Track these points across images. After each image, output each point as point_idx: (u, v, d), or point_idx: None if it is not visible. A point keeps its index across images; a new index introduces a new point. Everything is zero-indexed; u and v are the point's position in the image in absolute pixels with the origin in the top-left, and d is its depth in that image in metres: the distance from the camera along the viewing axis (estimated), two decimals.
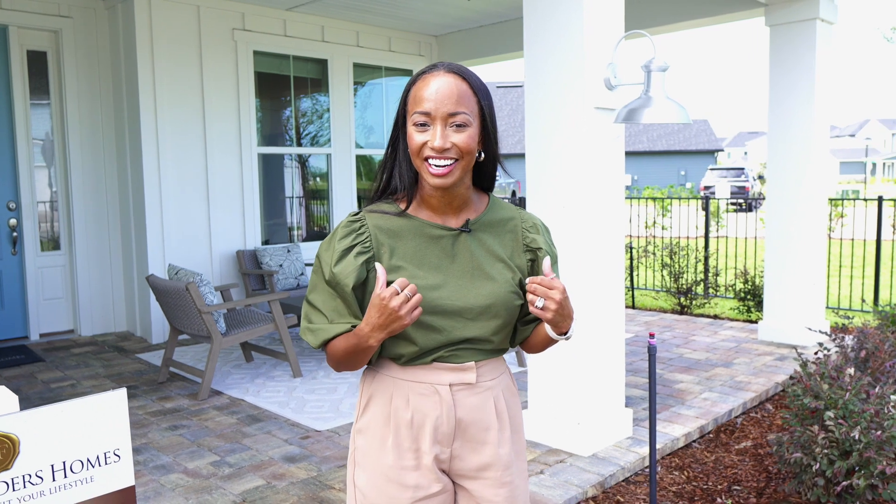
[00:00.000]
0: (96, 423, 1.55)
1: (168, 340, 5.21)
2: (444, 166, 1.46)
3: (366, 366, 1.62)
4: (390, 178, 1.57)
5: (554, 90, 3.67)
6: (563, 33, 3.61)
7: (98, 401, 1.55)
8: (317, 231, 7.90)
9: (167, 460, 3.75)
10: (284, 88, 7.40)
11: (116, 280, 6.81)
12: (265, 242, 7.30)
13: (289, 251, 6.94)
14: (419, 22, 7.83)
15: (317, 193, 7.87)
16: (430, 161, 1.46)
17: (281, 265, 6.79)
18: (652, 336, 2.90)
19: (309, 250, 7.50)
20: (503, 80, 42.28)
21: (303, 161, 7.75)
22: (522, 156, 35.25)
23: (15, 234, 6.41)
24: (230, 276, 6.86)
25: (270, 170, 7.41)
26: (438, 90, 1.45)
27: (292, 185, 7.68)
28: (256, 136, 7.02)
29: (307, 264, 7.08)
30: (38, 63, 6.40)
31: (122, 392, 1.57)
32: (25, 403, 4.76)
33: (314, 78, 7.60)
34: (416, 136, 1.47)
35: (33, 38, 6.34)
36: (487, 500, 1.61)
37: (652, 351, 2.91)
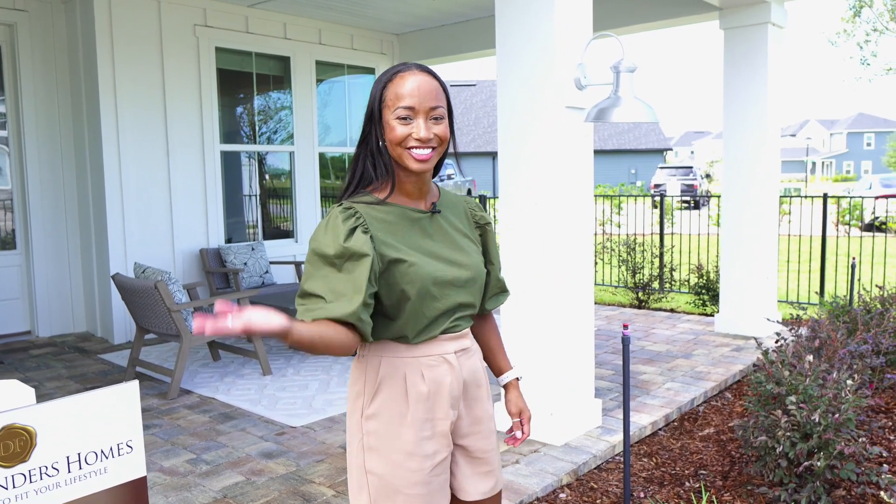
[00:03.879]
0: (110, 415, 1.57)
1: (134, 340, 5.15)
2: (427, 153, 1.62)
3: (361, 357, 1.71)
4: (364, 169, 1.68)
5: (527, 90, 3.76)
6: (535, 34, 3.70)
7: (111, 393, 1.58)
8: (280, 229, 7.87)
9: None
10: (247, 86, 7.35)
11: (75, 280, 6.68)
12: (228, 241, 7.24)
13: (253, 249, 6.91)
14: (382, 20, 7.86)
15: (280, 191, 7.84)
16: (413, 150, 1.61)
17: (245, 263, 6.75)
18: (626, 327, 3.02)
19: (273, 248, 7.48)
20: (456, 79, 42.41)
21: (263, 159, 7.71)
22: (476, 154, 35.44)
23: None
24: (193, 274, 6.79)
25: (233, 167, 7.36)
26: (420, 87, 1.60)
27: (255, 182, 7.64)
28: (219, 133, 6.96)
29: (271, 262, 7.05)
30: None
31: (135, 384, 1.60)
32: None
33: (276, 75, 7.57)
34: (399, 129, 1.61)
35: None
36: (482, 450, 1.79)
37: (626, 341, 3.02)
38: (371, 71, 8.41)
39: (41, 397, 4.85)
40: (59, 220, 6.58)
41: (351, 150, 8.31)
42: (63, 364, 5.65)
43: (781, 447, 3.05)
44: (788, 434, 3.06)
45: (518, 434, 1.89)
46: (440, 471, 1.70)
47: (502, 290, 1.91)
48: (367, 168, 1.67)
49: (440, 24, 8.11)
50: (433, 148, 1.63)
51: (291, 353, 5.83)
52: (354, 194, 1.68)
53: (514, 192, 3.87)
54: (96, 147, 6.21)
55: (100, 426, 1.56)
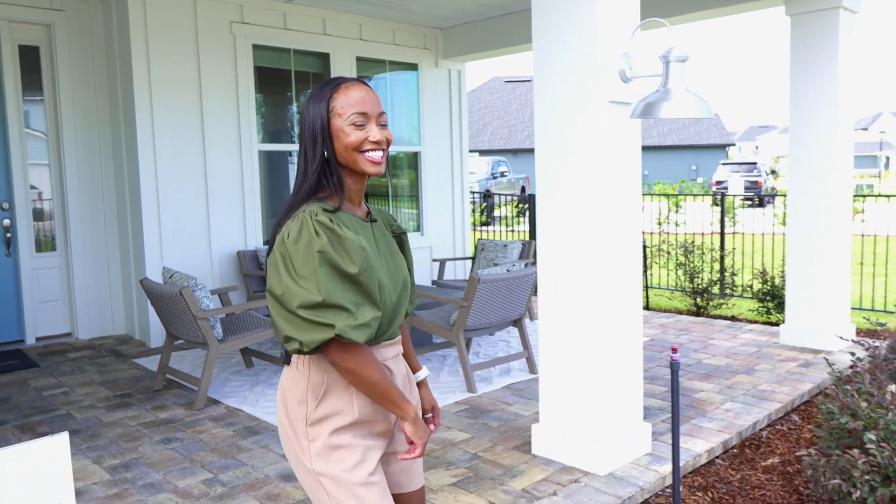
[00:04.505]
0: (34, 474, 1.32)
1: (164, 346, 5.01)
2: (380, 156, 1.70)
3: (302, 364, 1.70)
4: (317, 181, 1.70)
5: (565, 84, 3.42)
6: (575, 22, 3.35)
7: (37, 448, 1.32)
8: None
9: (157, 478, 3.54)
10: (285, 83, 7.17)
11: (114, 281, 6.62)
12: (267, 242, 7.09)
13: None
14: (424, 14, 7.58)
15: None
16: (368, 153, 1.68)
17: None
18: (675, 350, 2.66)
19: None
20: (512, 74, 41.91)
21: None
22: (531, 151, 34.94)
23: (9, 234, 6.22)
24: (230, 277, 6.65)
25: (272, 167, 7.19)
26: (368, 96, 1.69)
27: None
28: (257, 132, 6.80)
29: None
30: (30, 58, 6.20)
31: (64, 437, 1.35)
32: (16, 413, 4.57)
33: (316, 72, 7.37)
34: (355, 134, 1.67)
35: (25, 32, 6.13)
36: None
37: (675, 367, 2.66)
38: (414, 67, 8.14)
39: (69, 404, 4.74)
40: (98, 222, 6.52)
41: (397, 148, 8.06)
42: (97, 368, 5.56)
43: (859, 492, 2.64)
44: (867, 477, 2.65)
45: (431, 427, 1.96)
46: (379, 467, 1.77)
47: (410, 300, 1.96)
48: (322, 177, 1.69)
49: (485, 16, 7.78)
50: (383, 150, 1.71)
51: None
52: (307, 203, 1.68)
53: (553, 191, 3.53)
54: (132, 146, 6.11)
55: (23, 487, 1.31)
